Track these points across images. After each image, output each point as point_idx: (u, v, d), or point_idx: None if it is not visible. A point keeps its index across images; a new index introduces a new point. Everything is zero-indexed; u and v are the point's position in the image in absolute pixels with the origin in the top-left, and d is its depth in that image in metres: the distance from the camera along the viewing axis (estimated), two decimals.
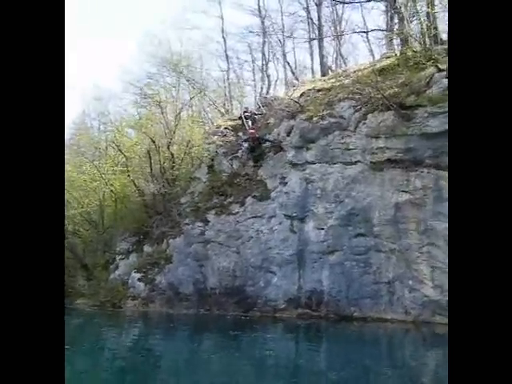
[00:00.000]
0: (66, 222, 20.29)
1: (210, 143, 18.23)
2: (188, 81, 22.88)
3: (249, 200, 15.86)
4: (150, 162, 18.25)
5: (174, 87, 23.21)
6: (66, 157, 24.87)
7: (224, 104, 24.07)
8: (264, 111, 19.02)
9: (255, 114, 18.89)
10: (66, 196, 20.73)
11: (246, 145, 16.84)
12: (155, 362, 8.80)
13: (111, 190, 19.83)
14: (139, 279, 16.45)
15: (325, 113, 15.12)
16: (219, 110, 24.06)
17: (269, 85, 22.54)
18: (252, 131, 15.80)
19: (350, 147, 14.33)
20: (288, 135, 15.86)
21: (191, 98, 21.38)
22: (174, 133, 18.69)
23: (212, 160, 17.98)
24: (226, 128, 18.91)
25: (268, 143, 16.22)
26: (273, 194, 15.47)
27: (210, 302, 15.25)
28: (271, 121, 17.82)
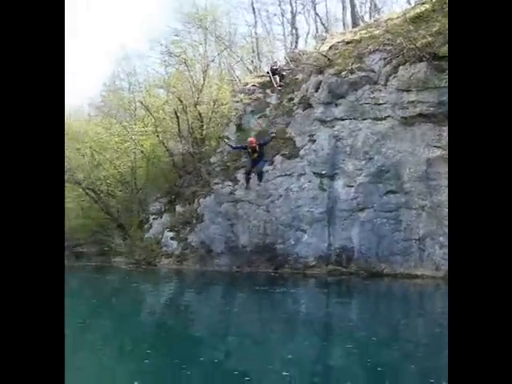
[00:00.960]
0: (99, 183, 21.19)
1: (237, 101, 18.30)
2: (215, 37, 22.71)
3: (278, 158, 16.05)
4: (178, 122, 18.57)
5: (201, 44, 23.13)
6: (98, 118, 25.51)
7: (252, 61, 23.86)
8: (292, 66, 18.83)
9: (283, 70, 18.75)
10: (99, 157, 21.50)
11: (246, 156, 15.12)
12: (190, 316, 9.39)
13: (141, 151, 20.37)
14: (172, 238, 17.18)
15: (354, 66, 14.91)
16: (247, 67, 23.91)
17: (297, 39, 22.09)
18: (251, 140, 13.71)
19: (380, 102, 14.19)
20: (316, 91, 15.76)
21: (218, 54, 21.27)
22: (201, 91, 18.82)
23: (240, 118, 18.12)
24: (253, 85, 18.89)
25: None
26: (301, 152, 15.59)
27: (242, 260, 15.82)
28: (299, 76, 17.69)
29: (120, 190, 22.17)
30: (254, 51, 23.94)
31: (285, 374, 4.98)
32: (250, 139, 13.86)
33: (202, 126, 18.61)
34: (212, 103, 18.57)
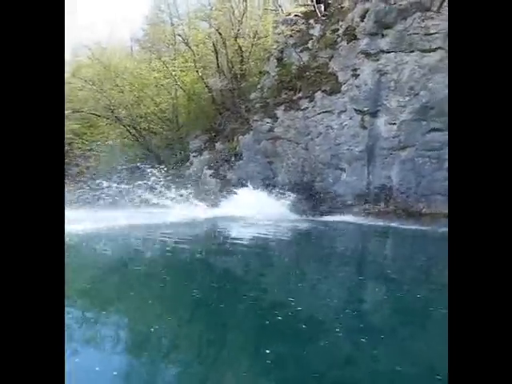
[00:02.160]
0: (140, 120, 21.70)
1: (278, 33, 17.88)
2: None
3: (318, 94, 15.79)
4: (217, 57, 18.47)
5: None
6: (138, 53, 25.62)
7: None
8: None
9: None
10: (140, 94, 21.84)
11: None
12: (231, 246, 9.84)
13: (181, 87, 20.51)
14: (211, 175, 17.61)
15: None
16: None
17: None
18: None
19: (431, 31, 13.49)
20: (362, 20, 15.12)
21: None
22: (241, 23, 18.46)
23: (281, 52, 17.77)
24: (296, 15, 18.28)
25: None
26: (343, 88, 15.25)
27: None
28: (345, 4, 16.94)
29: (161, 128, 22.65)
30: None
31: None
32: None
33: (242, 60, 18.41)
34: (252, 36, 18.24)
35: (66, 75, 29.34)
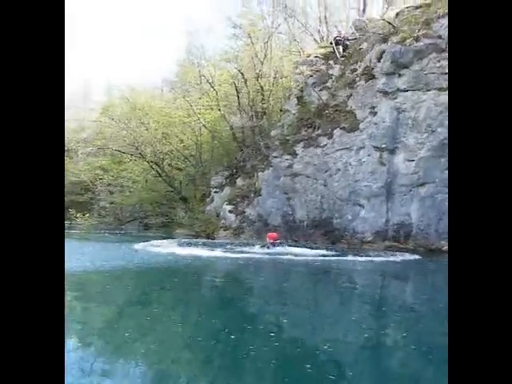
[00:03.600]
0: (163, 156, 22.52)
1: (299, 73, 18.58)
2: (282, 7, 22.94)
3: (337, 131, 16.23)
4: (238, 96, 19.20)
5: (268, 15, 23.49)
6: (168, 94, 26.77)
7: (318, 30, 23.82)
8: (357, 36, 18.69)
9: (347, 40, 18.68)
10: (165, 131, 22.73)
11: None
12: (249, 283, 10.01)
13: (204, 125, 21.31)
14: (230, 211, 18.03)
15: (420, 33, 14.64)
16: (314, 38, 23.92)
17: (365, 6, 21.69)
18: (273, 234, 13.60)
19: (447, 71, 13.85)
20: (379, 61, 15.65)
21: (282, 22, 21.50)
22: (263, 64, 19.28)
23: (301, 91, 18.40)
24: (316, 56, 19.01)
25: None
26: (362, 125, 15.64)
27: (298, 234, 16.34)
28: (364, 46, 17.57)
29: (184, 164, 23.40)
30: (320, 21, 23.85)
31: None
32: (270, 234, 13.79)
33: (263, 99, 19.11)
34: (273, 76, 18.99)
35: (96, 114, 30.80)
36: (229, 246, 13.48)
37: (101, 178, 26.05)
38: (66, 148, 41.23)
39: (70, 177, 36.67)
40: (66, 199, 37.37)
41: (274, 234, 13.78)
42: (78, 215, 22.93)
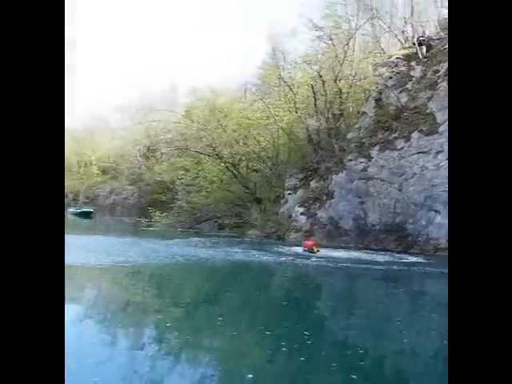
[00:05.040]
0: (240, 157, 23.20)
1: (378, 75, 18.42)
2: (368, 8, 22.78)
3: (415, 134, 15.93)
4: (314, 98, 19.38)
5: (352, 17, 23.46)
6: (250, 97, 27.56)
7: (403, 31, 23.38)
8: (442, 35, 18.18)
9: (431, 40, 18.25)
10: (242, 133, 23.43)
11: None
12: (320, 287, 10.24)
13: (281, 128, 21.71)
14: (302, 213, 18.23)
15: None
16: (398, 39, 23.53)
17: None
18: (309, 243, 14.36)
19: None
20: None
21: (358, 28, 21.42)
22: (342, 66, 19.34)
23: (380, 93, 18.24)
24: (397, 57, 18.75)
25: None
26: (441, 128, 15.23)
27: (370, 238, 16.18)
28: (448, 45, 17.08)
29: (260, 166, 23.88)
30: (406, 21, 23.39)
31: None
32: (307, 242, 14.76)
33: (341, 101, 19.15)
34: (352, 77, 18.99)
35: (178, 116, 32.34)
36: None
37: (180, 178, 27.27)
38: (151, 148, 43.87)
39: (154, 176, 38.94)
40: (149, 198, 39.80)
41: (310, 243, 14.53)
42: (156, 213, 24.10)
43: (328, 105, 19.56)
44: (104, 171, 55.35)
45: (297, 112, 20.71)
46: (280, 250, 14.79)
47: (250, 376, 4.46)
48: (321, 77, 19.68)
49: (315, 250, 13.92)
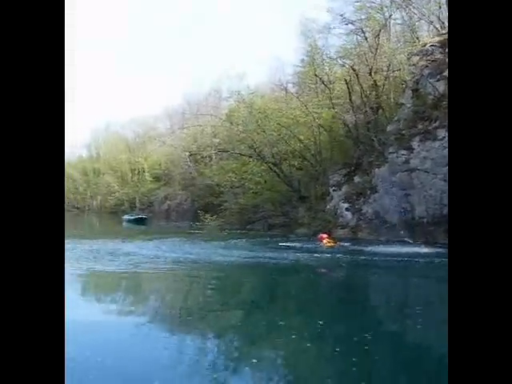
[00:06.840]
0: (281, 156, 23.31)
1: (413, 64, 18.07)
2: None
3: None
4: (349, 92, 19.22)
5: (386, 7, 23.03)
6: (287, 95, 27.65)
7: (439, 17, 22.69)
8: None
9: None
10: (282, 132, 23.50)
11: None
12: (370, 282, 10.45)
13: (319, 124, 21.68)
14: (347, 209, 18.22)
15: None
16: (434, 26, 22.87)
17: None
18: (324, 236, 15.07)
19: None
20: None
21: (390, 16, 20.98)
22: (375, 57, 19.08)
23: (417, 83, 17.89)
24: (432, 45, 18.30)
25: None
26: None
27: (418, 231, 15.96)
28: None
29: (303, 164, 23.91)
30: (440, 6, 22.70)
31: None
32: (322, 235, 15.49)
33: (377, 94, 18.94)
34: (386, 69, 18.72)
35: (221, 120, 32.79)
36: None
37: (227, 181, 27.74)
38: (200, 152, 44.60)
39: (205, 181, 39.49)
40: (201, 202, 40.41)
41: (324, 235, 15.21)
42: (206, 216, 24.69)
43: (365, 99, 19.36)
44: (156, 178, 56.86)
45: (333, 108, 20.62)
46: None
47: None
48: (354, 70, 19.49)
49: (325, 242, 14.67)
